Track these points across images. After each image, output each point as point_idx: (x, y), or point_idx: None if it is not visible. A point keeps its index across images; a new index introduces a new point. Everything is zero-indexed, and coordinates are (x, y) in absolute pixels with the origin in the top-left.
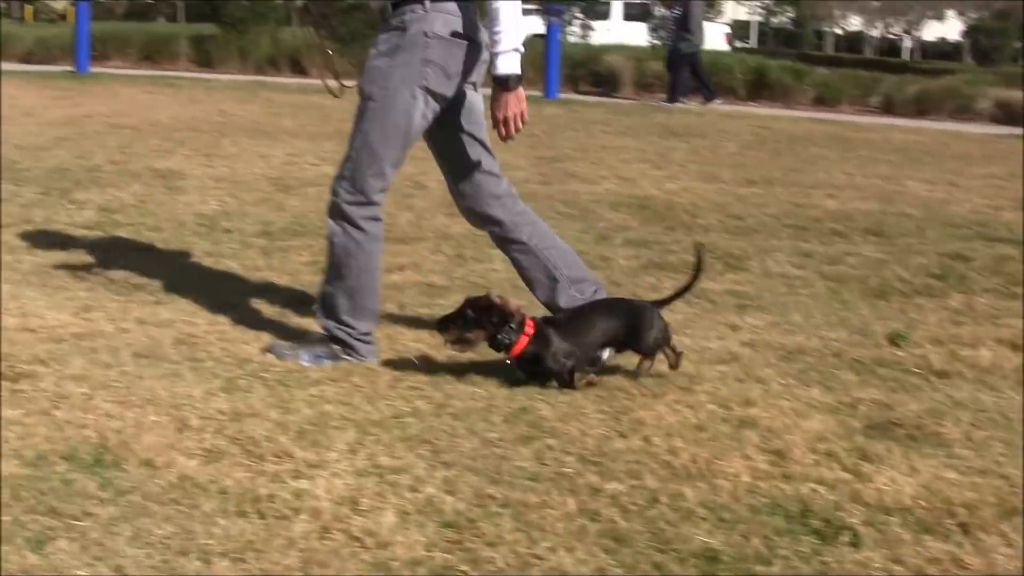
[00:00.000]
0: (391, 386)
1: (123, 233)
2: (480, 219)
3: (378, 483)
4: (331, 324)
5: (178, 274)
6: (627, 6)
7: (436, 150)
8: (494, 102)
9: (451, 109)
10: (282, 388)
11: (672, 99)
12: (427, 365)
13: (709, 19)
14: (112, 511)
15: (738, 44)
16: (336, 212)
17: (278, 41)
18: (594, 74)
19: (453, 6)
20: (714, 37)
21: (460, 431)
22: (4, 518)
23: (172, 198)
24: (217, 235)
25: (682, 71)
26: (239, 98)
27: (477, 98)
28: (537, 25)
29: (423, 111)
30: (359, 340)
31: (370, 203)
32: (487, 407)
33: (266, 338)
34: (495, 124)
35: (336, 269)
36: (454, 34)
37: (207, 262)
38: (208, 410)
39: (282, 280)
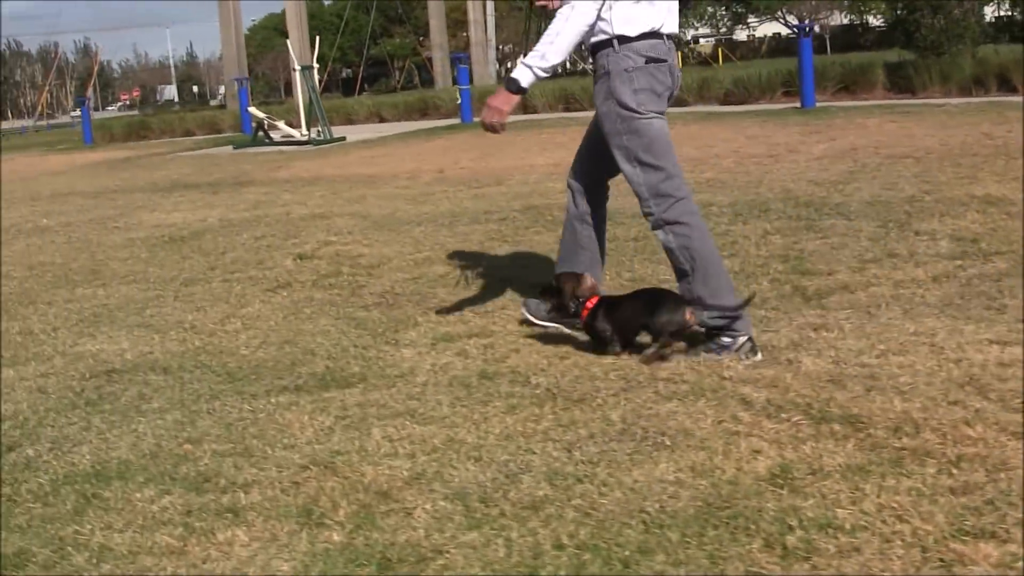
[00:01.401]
0: None
1: (997, 262)
2: (573, 193)
3: None
4: (705, 316)
5: None
6: None
7: (588, 142)
8: (494, 94)
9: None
10: None
11: None
12: None
13: None
14: None
15: None
16: (658, 225)
17: (981, 60)
18: None
19: (640, 44)
20: None
21: None
22: None
23: (1017, 224)
24: None
25: None
26: (992, 120)
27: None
28: None
29: (658, 121)
30: (731, 316)
31: (680, 199)
32: None
33: None
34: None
35: (686, 268)
36: (649, 60)
37: None
38: None
39: None
